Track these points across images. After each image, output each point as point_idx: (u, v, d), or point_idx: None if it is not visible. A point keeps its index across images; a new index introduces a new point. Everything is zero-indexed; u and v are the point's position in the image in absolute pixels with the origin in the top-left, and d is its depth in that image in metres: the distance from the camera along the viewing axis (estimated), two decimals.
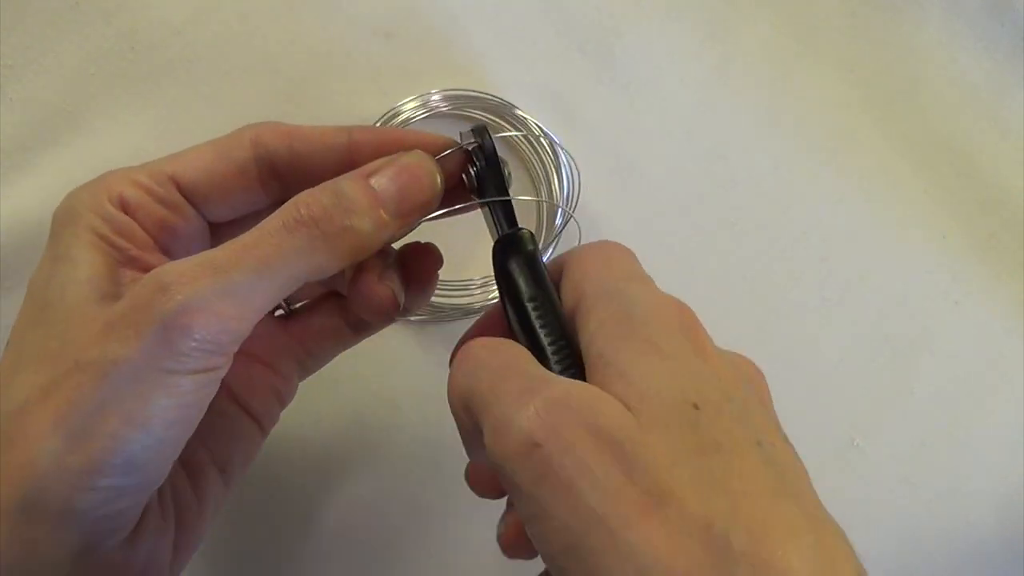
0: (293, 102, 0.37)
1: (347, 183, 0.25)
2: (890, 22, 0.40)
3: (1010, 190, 0.40)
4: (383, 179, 0.25)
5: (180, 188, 0.27)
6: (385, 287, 0.27)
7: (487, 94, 0.38)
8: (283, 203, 0.26)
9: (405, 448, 0.37)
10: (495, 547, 0.36)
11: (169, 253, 0.27)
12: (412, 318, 0.34)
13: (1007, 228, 0.40)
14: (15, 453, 0.23)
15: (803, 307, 0.40)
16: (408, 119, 0.37)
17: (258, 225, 0.24)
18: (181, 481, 0.28)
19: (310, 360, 0.32)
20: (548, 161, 0.38)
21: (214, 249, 0.24)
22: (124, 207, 0.26)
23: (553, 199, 0.38)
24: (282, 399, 0.31)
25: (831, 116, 0.40)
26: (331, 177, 0.26)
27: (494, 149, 0.27)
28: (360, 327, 0.32)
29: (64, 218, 0.26)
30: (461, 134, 0.28)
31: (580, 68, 0.39)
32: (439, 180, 0.26)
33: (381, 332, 0.32)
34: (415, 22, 0.38)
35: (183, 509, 0.27)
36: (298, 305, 0.32)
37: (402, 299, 0.28)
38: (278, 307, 0.32)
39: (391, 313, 0.28)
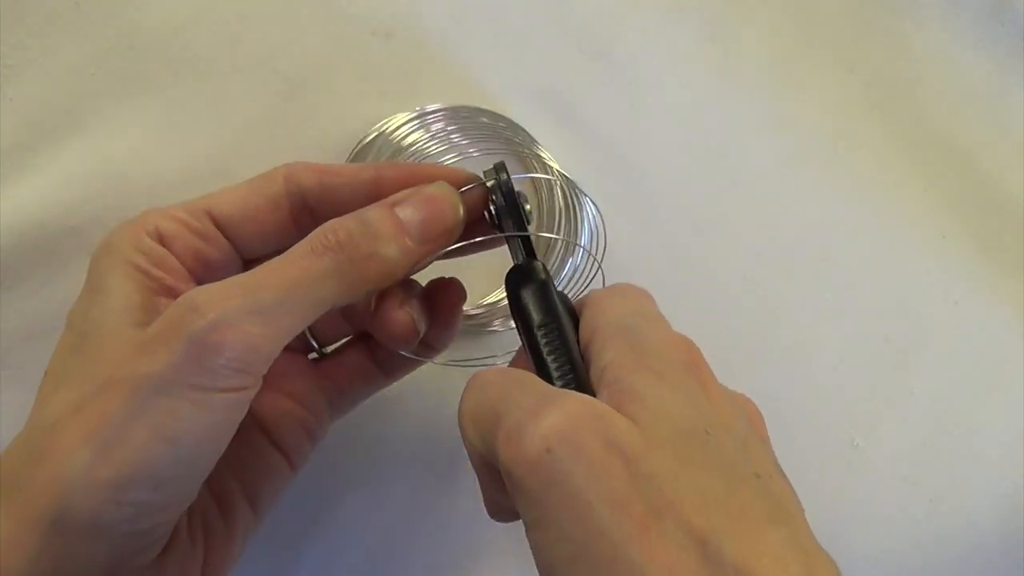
0: (292, 102, 0.37)
1: (373, 212, 0.26)
2: (890, 22, 0.40)
3: (1010, 190, 0.40)
4: (408, 208, 0.27)
5: (216, 222, 0.28)
6: (405, 313, 0.28)
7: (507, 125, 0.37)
8: None
9: (406, 448, 0.37)
10: (496, 547, 0.36)
11: (203, 283, 0.27)
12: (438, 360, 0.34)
13: (1007, 228, 0.40)
14: (47, 467, 0.23)
15: (803, 307, 0.40)
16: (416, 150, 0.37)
17: (287, 251, 0.26)
18: (211, 508, 0.28)
19: (341, 400, 0.33)
20: (571, 202, 0.38)
21: (244, 273, 0.25)
22: (161, 239, 0.27)
23: (573, 234, 0.38)
24: (313, 437, 0.32)
25: (831, 116, 0.40)
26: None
27: (511, 186, 0.28)
28: (390, 369, 0.33)
29: (102, 252, 0.27)
30: (484, 172, 0.29)
31: (580, 68, 0.39)
32: (460, 209, 0.27)
33: None
34: (415, 22, 0.38)
35: (212, 535, 0.28)
36: (330, 348, 0.33)
37: (422, 327, 0.29)
38: (311, 350, 0.34)
39: (411, 340, 0.29)
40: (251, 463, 0.30)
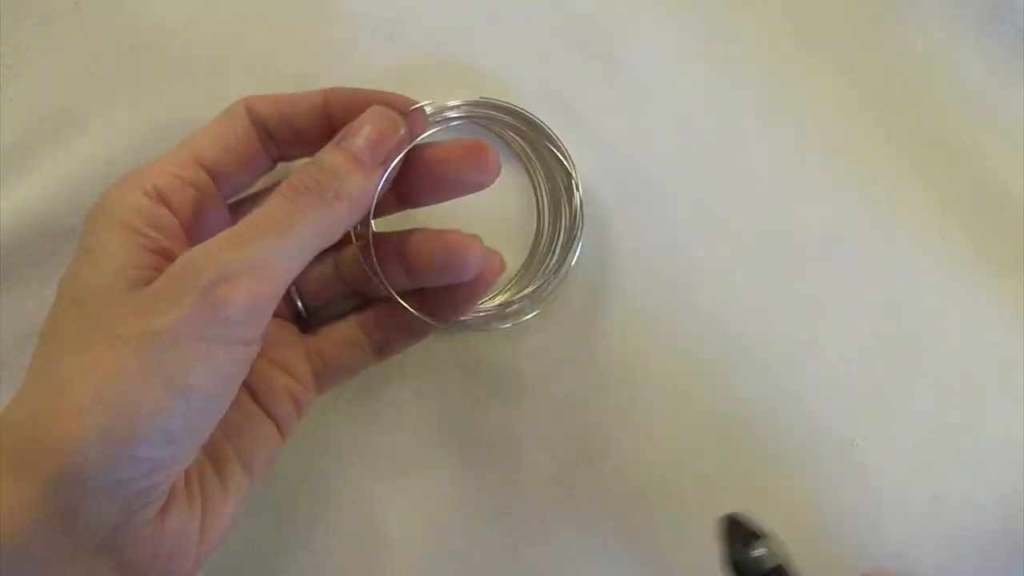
0: None
1: (326, 154, 0.28)
2: (890, 22, 0.40)
3: (1010, 190, 0.40)
4: (354, 139, 0.28)
5: (204, 166, 0.30)
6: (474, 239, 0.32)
7: (513, 106, 0.37)
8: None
9: (406, 447, 0.37)
10: (498, 548, 0.36)
11: (198, 240, 0.28)
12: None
13: (1007, 228, 0.40)
14: (57, 426, 0.24)
15: (803, 307, 0.40)
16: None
17: (262, 204, 0.27)
18: (207, 469, 0.29)
19: (327, 373, 0.33)
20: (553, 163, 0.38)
21: (232, 228, 0.26)
22: (160, 196, 0.29)
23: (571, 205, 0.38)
24: (299, 406, 0.32)
25: (831, 116, 0.40)
26: (314, 133, 0.30)
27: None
28: (382, 345, 0.34)
29: (95, 214, 0.28)
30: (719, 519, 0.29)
31: (580, 67, 0.39)
32: (400, 124, 0.29)
33: None
34: (414, 23, 0.38)
35: (209, 497, 0.28)
36: (315, 310, 0.34)
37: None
38: (297, 313, 0.34)
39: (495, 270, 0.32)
40: (244, 428, 0.30)
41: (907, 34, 0.40)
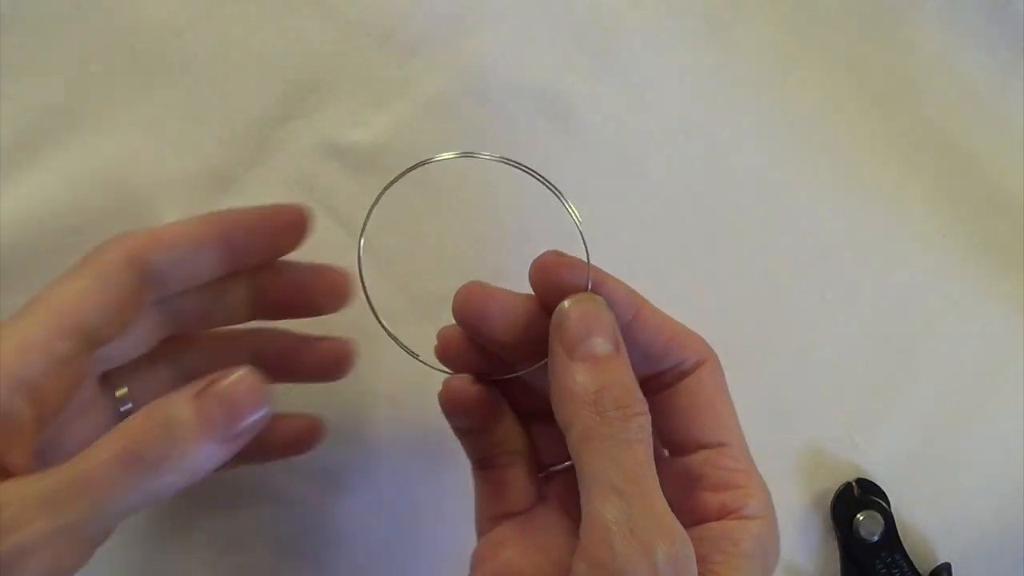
0: (291, 103, 0.37)
1: (174, 405, 0.24)
2: (890, 22, 0.40)
3: (1010, 190, 0.40)
4: (211, 399, 0.24)
5: (80, 334, 0.25)
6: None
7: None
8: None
9: (404, 446, 0.37)
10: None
11: (48, 439, 0.26)
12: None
13: (1007, 228, 0.40)
14: None
15: (803, 307, 0.40)
16: None
17: (90, 450, 0.23)
18: None
19: None
20: None
21: (49, 477, 0.23)
22: (25, 387, 0.24)
23: None
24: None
25: (831, 116, 0.40)
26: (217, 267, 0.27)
27: None
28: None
29: None
30: None
31: (579, 67, 0.39)
32: (266, 398, 0.25)
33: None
34: (414, 23, 0.38)
35: None
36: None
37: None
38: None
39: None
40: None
41: (907, 34, 0.40)
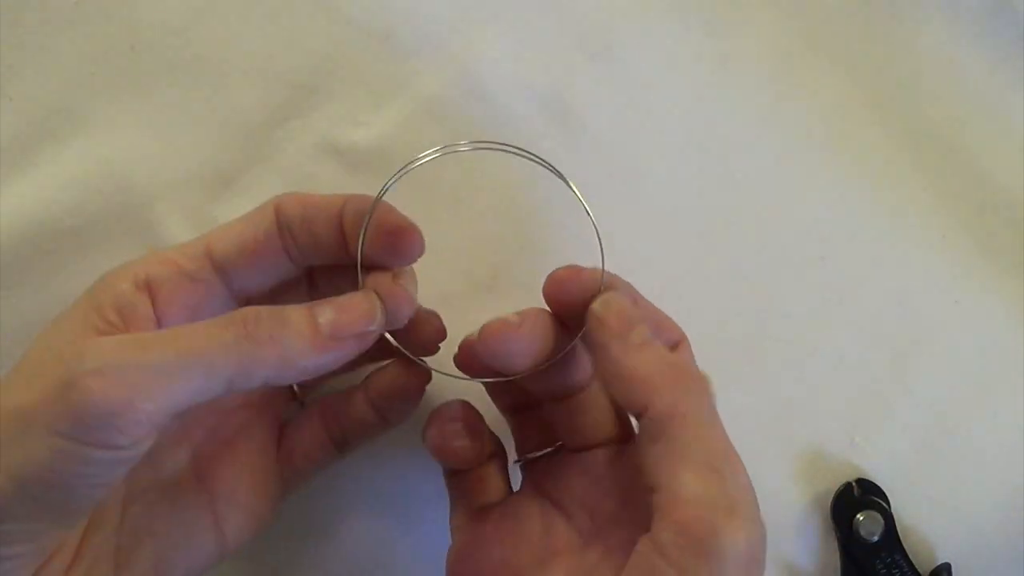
0: (291, 103, 0.37)
1: (291, 309, 0.26)
2: (890, 22, 0.40)
3: (1010, 190, 0.40)
4: (325, 309, 0.26)
5: (214, 260, 0.29)
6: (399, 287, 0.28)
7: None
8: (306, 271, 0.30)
9: (405, 445, 0.37)
10: None
11: None
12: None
13: (1007, 228, 0.40)
14: None
15: (803, 307, 0.40)
16: None
17: (199, 321, 0.25)
18: (103, 562, 0.28)
19: (295, 477, 0.32)
20: None
21: (147, 332, 0.25)
22: (148, 286, 0.27)
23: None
24: (256, 522, 0.31)
25: (831, 115, 0.40)
26: (329, 239, 0.29)
27: None
28: (342, 443, 0.32)
29: (88, 291, 0.27)
30: None
31: (580, 67, 0.39)
32: (380, 313, 0.27)
33: None
34: (413, 23, 0.38)
35: None
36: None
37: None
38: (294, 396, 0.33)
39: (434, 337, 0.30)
40: (174, 530, 0.29)
41: (907, 34, 0.40)
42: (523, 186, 0.38)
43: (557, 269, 0.28)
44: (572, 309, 0.28)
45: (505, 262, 0.38)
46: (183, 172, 0.37)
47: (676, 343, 0.30)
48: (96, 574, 0.27)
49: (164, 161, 0.37)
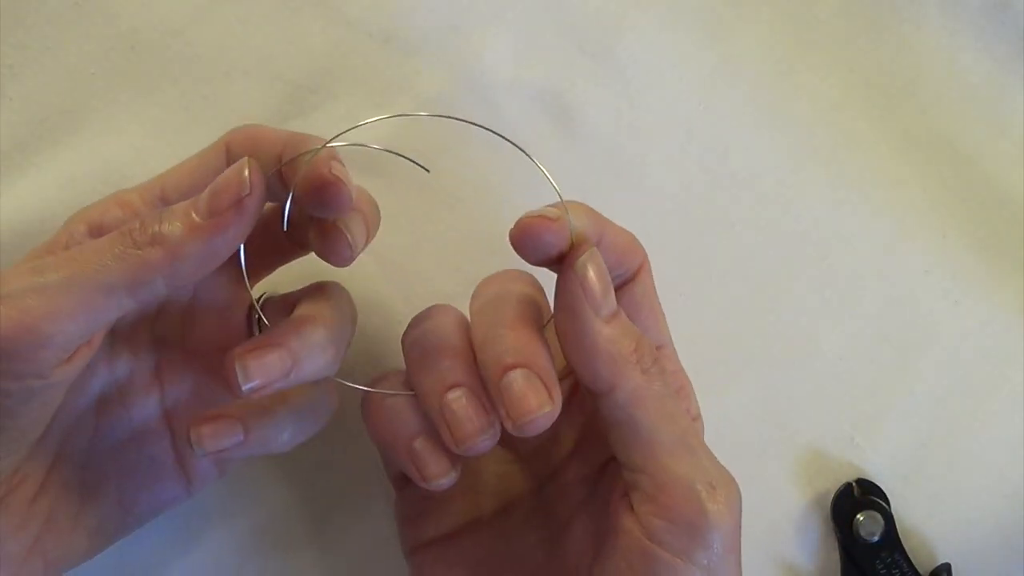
0: (291, 104, 0.37)
1: (172, 206, 0.25)
2: (890, 22, 0.40)
3: (1010, 190, 0.40)
4: (202, 194, 0.25)
5: (167, 200, 0.29)
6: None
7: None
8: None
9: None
10: None
11: None
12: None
13: (1007, 228, 0.40)
14: None
15: (803, 307, 0.40)
16: None
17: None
18: (63, 495, 0.28)
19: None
20: None
21: (51, 256, 0.25)
22: (101, 228, 0.28)
23: None
24: (222, 470, 0.32)
25: (831, 116, 0.40)
26: (271, 177, 0.27)
27: None
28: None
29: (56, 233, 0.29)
30: None
31: (580, 68, 0.39)
32: (247, 176, 0.25)
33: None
34: (413, 24, 0.38)
35: (52, 522, 0.28)
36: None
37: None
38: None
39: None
40: (139, 470, 0.30)
41: (907, 34, 0.40)
42: (523, 186, 0.38)
43: (524, 216, 0.26)
44: (542, 261, 0.26)
45: (504, 262, 0.38)
46: None
47: (638, 267, 0.29)
48: (61, 505, 0.28)
49: (164, 161, 0.36)
